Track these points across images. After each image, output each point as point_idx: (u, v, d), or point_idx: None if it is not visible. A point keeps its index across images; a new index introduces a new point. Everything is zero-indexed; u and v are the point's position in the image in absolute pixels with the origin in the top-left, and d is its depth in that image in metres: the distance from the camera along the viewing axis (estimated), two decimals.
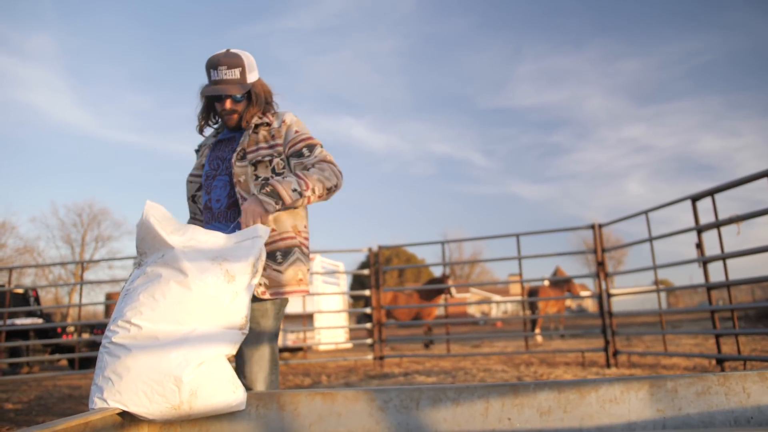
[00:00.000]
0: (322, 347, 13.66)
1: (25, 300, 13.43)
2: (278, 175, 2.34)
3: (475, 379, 6.56)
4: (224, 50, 2.35)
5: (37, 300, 13.88)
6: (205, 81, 2.41)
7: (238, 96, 2.37)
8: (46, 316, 14.18)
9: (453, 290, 13.22)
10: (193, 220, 2.51)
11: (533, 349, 10.72)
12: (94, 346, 12.03)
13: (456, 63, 69.61)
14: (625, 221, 7.26)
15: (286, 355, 12.41)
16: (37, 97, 52.87)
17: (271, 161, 2.34)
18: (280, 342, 11.64)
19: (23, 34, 50.93)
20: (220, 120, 2.56)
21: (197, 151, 2.59)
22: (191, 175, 2.51)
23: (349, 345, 15.00)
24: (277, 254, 2.29)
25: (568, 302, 24.79)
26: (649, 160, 69.47)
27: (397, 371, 7.87)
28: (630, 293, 7.41)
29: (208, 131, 2.62)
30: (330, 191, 2.31)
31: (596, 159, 71.31)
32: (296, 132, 2.39)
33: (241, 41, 61.79)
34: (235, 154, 2.34)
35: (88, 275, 35.36)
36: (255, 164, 2.32)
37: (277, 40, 66.78)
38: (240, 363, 2.22)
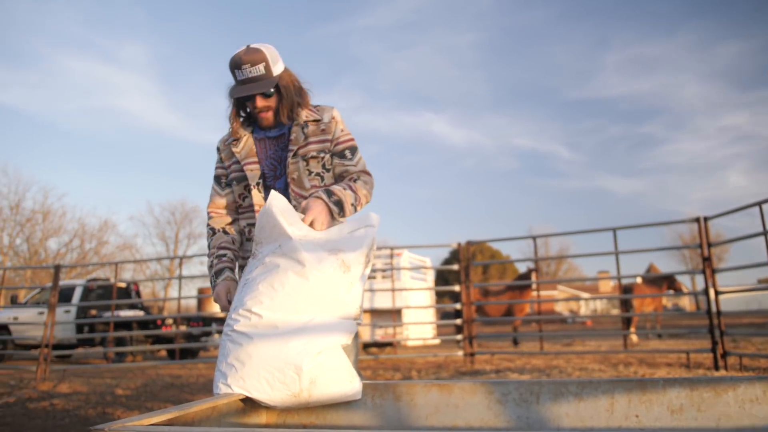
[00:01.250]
0: (410, 343, 13.69)
1: (127, 293, 14.23)
2: (327, 171, 2.37)
3: (571, 377, 6.39)
4: (244, 47, 2.31)
5: (138, 294, 14.69)
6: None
7: (268, 92, 2.32)
8: (146, 309, 14.96)
9: (534, 285, 13.00)
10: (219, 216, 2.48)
11: (630, 348, 10.33)
12: (191, 337, 12.57)
13: (538, 55, 68.04)
14: (727, 215, 6.86)
15: (374, 349, 12.53)
16: (132, 103, 56.06)
17: (322, 157, 2.36)
18: (368, 336, 11.76)
19: (118, 44, 54.20)
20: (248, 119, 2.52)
21: (219, 150, 2.52)
22: (226, 176, 2.48)
23: (437, 341, 14.97)
24: None
25: (664, 301, 23.75)
26: (753, 149, 65.51)
27: (488, 368, 7.79)
28: (740, 291, 6.98)
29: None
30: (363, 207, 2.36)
31: (692, 150, 67.90)
32: (342, 130, 2.40)
33: (319, 41, 63.10)
34: (290, 153, 2.33)
35: (183, 271, 37.00)
36: (306, 159, 2.33)
37: (356, 39, 67.50)
38: None
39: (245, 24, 61.34)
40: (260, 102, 2.33)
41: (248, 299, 1.88)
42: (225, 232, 2.43)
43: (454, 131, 72.73)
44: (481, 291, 14.73)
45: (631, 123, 69.84)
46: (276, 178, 2.38)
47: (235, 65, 2.27)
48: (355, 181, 2.34)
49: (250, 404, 1.83)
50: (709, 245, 6.92)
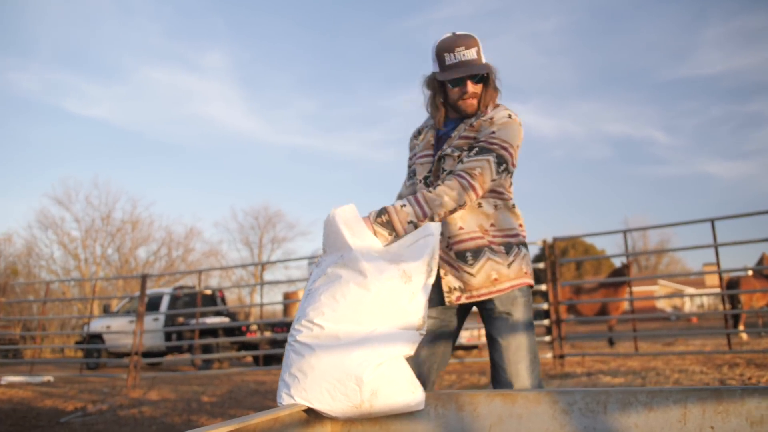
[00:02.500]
0: None
1: (213, 300, 14.87)
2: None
3: (668, 381, 6.17)
4: (449, 33, 2.32)
5: (223, 300, 15.31)
6: (430, 69, 2.39)
7: (479, 76, 2.30)
8: (232, 315, 15.57)
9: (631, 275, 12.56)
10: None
11: (738, 348, 9.83)
12: (276, 343, 12.99)
13: (628, 35, 65.51)
14: None
15: (460, 353, 12.52)
16: (214, 109, 58.32)
17: (460, 154, 2.28)
18: None
19: (199, 53, 56.61)
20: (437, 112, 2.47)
21: (416, 136, 2.55)
22: (418, 157, 2.47)
23: None
24: (467, 255, 2.29)
25: None
26: None
27: (580, 371, 7.63)
28: None
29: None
30: (453, 212, 2.20)
31: None
32: (492, 133, 2.26)
33: (398, 36, 63.27)
34: (446, 149, 2.32)
35: (266, 276, 38.15)
36: (441, 158, 2.32)
37: (436, 31, 66.23)
38: (496, 358, 2.24)
39: (321, 23, 62.59)
40: (471, 87, 2.31)
41: (311, 310, 1.95)
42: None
43: (542, 121, 71.13)
44: (572, 289, 14.42)
45: (735, 102, 66.23)
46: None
47: (447, 48, 2.28)
48: (436, 186, 2.18)
49: (313, 415, 1.90)
50: None
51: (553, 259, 8.75)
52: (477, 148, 2.24)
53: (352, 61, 64.56)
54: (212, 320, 13.74)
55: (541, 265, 8.52)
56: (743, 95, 65.63)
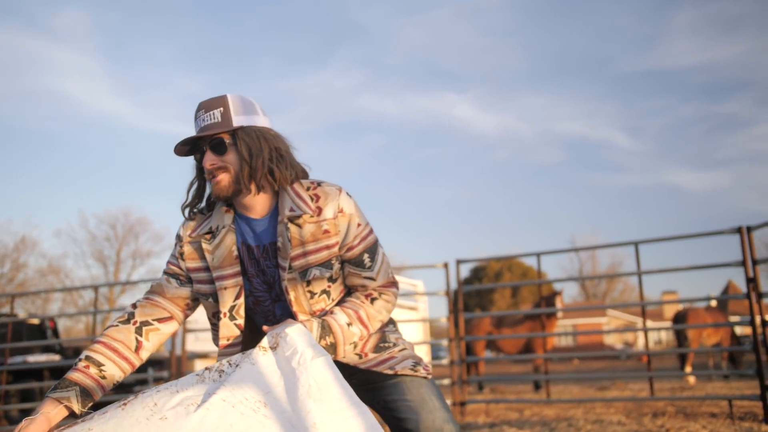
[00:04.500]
0: None
1: (41, 332, 14.37)
2: (334, 281, 2.28)
3: None
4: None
5: (55, 332, 14.82)
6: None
7: (220, 143, 2.19)
8: (64, 352, 15.09)
9: (559, 313, 13.05)
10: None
11: (681, 394, 10.38)
12: (122, 388, 12.70)
13: (587, 17, 68.36)
14: None
15: None
16: (67, 84, 56.51)
17: (331, 274, 2.26)
18: None
19: (50, 8, 54.57)
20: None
21: (180, 240, 2.39)
22: (186, 279, 2.37)
23: None
24: None
25: (739, 331, 23.72)
26: None
27: (483, 421, 7.87)
28: None
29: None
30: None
31: None
32: (358, 226, 2.27)
33: (309, 4, 63.22)
34: (283, 271, 2.21)
35: (125, 300, 37.21)
36: (308, 280, 2.22)
37: (357, 0, 67.75)
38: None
39: None
40: (208, 158, 2.19)
41: None
42: (139, 330, 2.26)
43: (482, 115, 72.98)
44: (493, 321, 14.82)
45: (709, 100, 69.96)
46: (276, 302, 2.32)
47: (194, 115, 2.25)
48: (373, 301, 2.28)
49: None
50: (754, 262, 6.99)
51: (460, 286, 8.99)
52: (365, 252, 2.28)
53: (249, 32, 64.18)
54: (37, 358, 13.29)
55: (441, 293, 8.74)
56: (718, 93, 69.64)
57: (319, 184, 2.28)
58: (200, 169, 2.34)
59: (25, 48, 53.00)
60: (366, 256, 2.27)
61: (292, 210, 2.20)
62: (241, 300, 2.27)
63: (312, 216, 2.20)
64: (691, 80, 69.49)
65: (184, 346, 9.11)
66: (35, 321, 14.58)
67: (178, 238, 2.39)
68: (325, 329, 2.15)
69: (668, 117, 71.37)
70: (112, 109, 59.88)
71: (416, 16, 67.99)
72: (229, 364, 1.97)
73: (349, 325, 2.19)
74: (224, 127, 2.17)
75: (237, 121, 2.19)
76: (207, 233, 2.31)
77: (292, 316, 2.23)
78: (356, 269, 2.28)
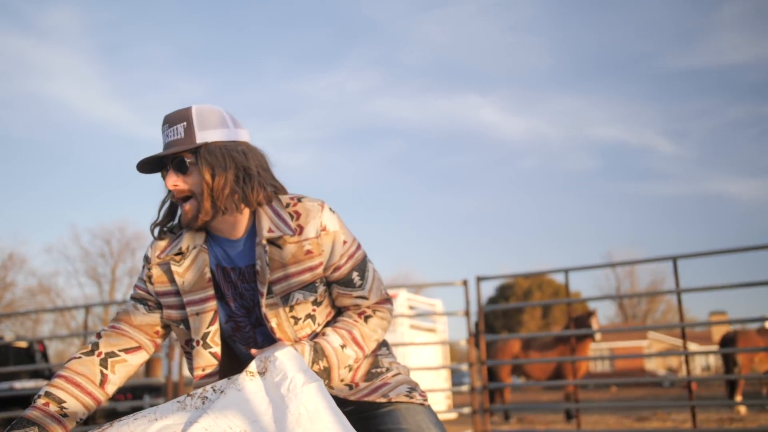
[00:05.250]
0: None
1: (29, 356, 14.45)
2: (319, 304, 2.27)
3: None
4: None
5: (45, 356, 14.89)
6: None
7: (182, 162, 2.16)
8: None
9: (597, 335, 12.94)
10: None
11: (730, 426, 10.25)
12: (114, 416, 12.71)
13: (624, 9, 68.00)
14: None
15: None
16: (58, 88, 56.97)
17: (316, 297, 2.25)
18: None
19: (39, 7, 55.12)
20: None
21: (148, 261, 2.37)
22: (155, 304, 2.36)
23: (453, 415, 14.96)
24: None
25: None
26: None
27: None
28: None
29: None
30: None
31: None
32: (344, 243, 2.26)
33: (318, 1, 63.40)
34: (261, 296, 2.19)
35: None
36: (290, 305, 2.21)
37: None
38: None
39: None
40: (170, 179, 2.16)
41: None
42: (104, 362, 2.25)
43: (508, 119, 72.77)
44: (522, 344, 14.74)
45: (760, 101, 68.96)
46: (257, 327, 2.30)
47: (161, 129, 2.23)
48: (368, 319, 2.30)
49: None
50: None
51: (482, 306, 8.96)
52: (354, 270, 2.28)
53: (253, 30, 64.56)
54: (24, 384, 13.35)
55: (461, 312, 8.71)
56: None
57: (299, 199, 2.26)
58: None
59: (10, 48, 53.64)
60: (355, 274, 2.27)
61: (270, 231, 2.18)
62: (216, 326, 2.25)
63: (293, 236, 2.18)
64: (741, 79, 68.73)
65: (182, 370, 9.12)
66: (23, 344, 14.68)
67: (146, 259, 2.37)
68: (318, 353, 2.14)
69: (715, 119, 70.69)
70: (107, 114, 60.49)
71: (435, 11, 68.12)
72: (213, 390, 1.97)
73: (343, 347, 2.18)
74: (187, 144, 2.14)
75: (201, 137, 2.15)
76: (177, 254, 2.29)
77: (275, 341, 2.22)
78: (346, 289, 2.28)
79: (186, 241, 2.28)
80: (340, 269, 2.25)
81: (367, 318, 2.28)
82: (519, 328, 45.99)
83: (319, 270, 2.21)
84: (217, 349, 2.25)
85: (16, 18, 53.84)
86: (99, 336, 2.31)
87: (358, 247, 2.31)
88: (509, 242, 74.55)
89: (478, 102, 72.06)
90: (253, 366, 1.97)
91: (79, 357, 2.24)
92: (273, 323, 2.19)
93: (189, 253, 2.27)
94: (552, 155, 72.22)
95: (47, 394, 2.12)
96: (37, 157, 58.79)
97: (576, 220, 72.76)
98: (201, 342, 2.23)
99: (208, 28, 63.89)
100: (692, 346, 47.61)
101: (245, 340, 2.32)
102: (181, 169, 2.15)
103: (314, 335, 2.24)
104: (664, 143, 71.23)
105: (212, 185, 2.13)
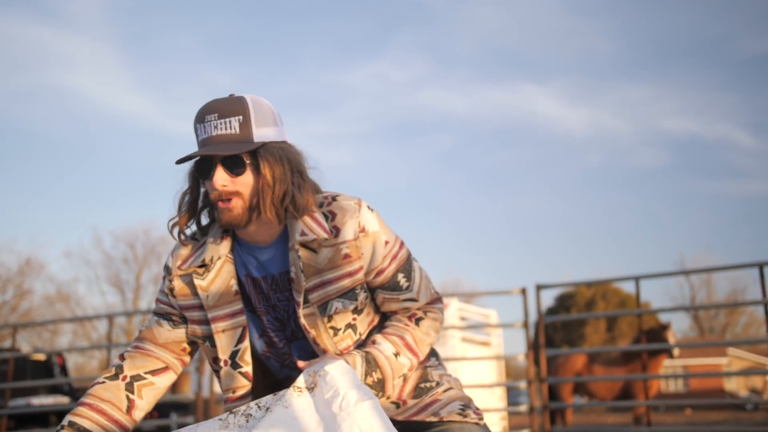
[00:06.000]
0: None
1: (47, 370, 14.66)
2: (360, 312, 2.25)
3: None
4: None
5: (63, 369, 15.10)
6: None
7: (237, 162, 2.12)
8: (75, 393, 15.36)
9: (675, 350, 12.73)
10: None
11: None
12: None
13: None
14: None
15: None
16: (80, 79, 57.75)
17: (357, 305, 2.23)
18: None
19: None
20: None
21: (169, 272, 2.37)
22: (180, 318, 2.36)
23: None
24: None
25: None
26: None
27: None
28: None
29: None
30: None
31: None
32: (386, 244, 2.24)
33: None
34: (298, 307, 2.17)
35: None
36: (329, 314, 2.19)
37: None
38: None
39: None
40: (220, 177, 2.12)
41: None
42: (129, 387, 2.27)
43: (569, 112, 72.17)
44: (588, 358, 14.60)
45: None
46: (292, 341, 2.30)
47: (199, 117, 2.15)
48: (419, 322, 2.29)
49: None
50: None
51: (541, 316, 8.90)
52: (399, 272, 2.26)
53: (290, 16, 64.92)
54: (42, 400, 13.55)
55: (519, 324, 8.66)
56: None
57: (334, 198, 2.23)
58: (196, 180, 2.27)
59: (28, 38, 54.46)
60: (401, 276, 2.26)
61: (303, 234, 2.15)
62: (246, 344, 2.24)
63: (328, 239, 2.16)
64: None
65: (212, 386, 9.15)
66: (41, 356, 14.91)
67: (167, 270, 2.37)
68: (371, 363, 2.11)
69: None
70: (131, 108, 61.10)
71: None
72: (258, 407, 1.95)
73: (396, 355, 2.16)
74: (243, 140, 2.11)
75: (258, 135, 2.13)
76: (200, 266, 2.27)
77: (313, 355, 2.21)
78: (392, 293, 2.27)
79: (210, 251, 2.27)
80: (384, 272, 2.23)
81: (418, 321, 2.27)
82: (581, 342, 45.46)
83: (360, 275, 2.19)
84: (248, 368, 2.24)
85: (33, 5, 54.66)
86: (122, 358, 2.32)
87: (401, 245, 2.29)
88: (570, 247, 74.12)
89: (535, 92, 71.67)
90: (301, 381, 1.96)
91: (103, 382, 2.25)
92: (312, 334, 2.17)
93: (213, 265, 2.26)
94: (618, 151, 71.58)
95: (71, 424, 2.13)
96: (57, 154, 59.74)
97: (645, 223, 72.07)
98: (229, 362, 2.24)
99: (240, 15, 64.42)
100: None
101: (279, 357, 2.33)
102: (236, 168, 2.11)
103: (361, 343, 2.24)
104: (743, 136, 70.49)
105: (272, 188, 2.12)
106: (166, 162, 60.76)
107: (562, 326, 46.39)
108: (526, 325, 8.53)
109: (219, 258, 2.25)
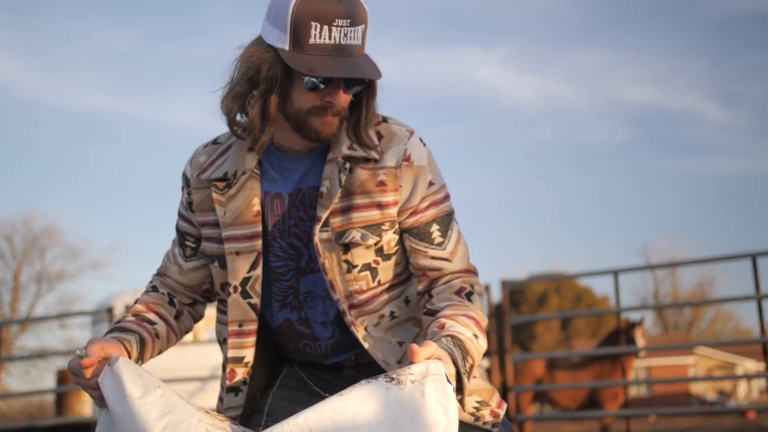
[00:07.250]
0: None
1: None
2: (387, 258, 2.24)
3: None
4: None
5: None
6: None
7: (360, 81, 2.13)
8: None
9: (640, 342, 12.92)
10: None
11: None
12: None
13: None
14: None
15: None
16: None
17: (378, 241, 2.20)
18: None
19: None
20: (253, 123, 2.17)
21: (189, 183, 2.37)
22: (195, 240, 2.41)
23: None
24: None
25: None
26: None
27: None
28: None
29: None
30: None
31: None
32: (430, 185, 2.24)
33: None
34: (317, 223, 2.15)
35: (28, 340, 37.10)
36: (345, 243, 2.17)
37: None
38: None
39: None
40: (344, 97, 2.12)
41: None
42: (171, 302, 2.40)
43: (516, 79, 72.51)
44: (546, 363, 14.96)
45: None
46: (298, 275, 2.28)
47: (320, 15, 2.01)
48: (470, 296, 2.19)
49: None
50: None
51: (503, 314, 9.17)
52: (435, 221, 2.24)
53: None
54: None
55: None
56: None
57: (384, 119, 2.27)
58: (288, 78, 2.11)
59: None
60: (435, 227, 2.23)
61: (352, 148, 2.16)
62: (258, 272, 2.23)
63: (375, 158, 2.16)
64: None
65: None
66: None
67: (185, 179, 2.38)
68: (462, 350, 1.97)
69: None
70: (4, 73, 59.67)
71: None
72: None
73: (476, 337, 2.05)
74: (366, 55, 2.14)
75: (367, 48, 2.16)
76: (220, 180, 2.25)
77: (321, 296, 2.24)
78: (420, 243, 2.23)
79: (233, 163, 2.25)
80: (418, 215, 2.21)
81: (469, 296, 2.19)
82: (532, 343, 45.80)
83: (392, 210, 2.18)
84: (258, 300, 2.24)
85: None
86: (153, 288, 2.44)
87: (446, 197, 2.27)
88: (517, 236, 74.59)
89: (477, 57, 72.15)
90: (414, 371, 1.80)
91: (148, 292, 2.41)
92: (325, 263, 2.15)
93: (236, 180, 2.24)
94: (571, 124, 72.42)
95: (136, 315, 2.27)
96: None
97: (602, 206, 72.88)
98: (240, 288, 2.23)
99: None
100: (749, 364, 48.10)
101: (282, 294, 2.31)
102: (354, 86, 2.13)
103: (436, 325, 2.07)
104: (711, 108, 71.56)
105: (368, 111, 2.18)
106: (49, 138, 59.80)
107: (512, 327, 46.25)
108: (490, 326, 8.88)
109: (243, 173, 2.23)
